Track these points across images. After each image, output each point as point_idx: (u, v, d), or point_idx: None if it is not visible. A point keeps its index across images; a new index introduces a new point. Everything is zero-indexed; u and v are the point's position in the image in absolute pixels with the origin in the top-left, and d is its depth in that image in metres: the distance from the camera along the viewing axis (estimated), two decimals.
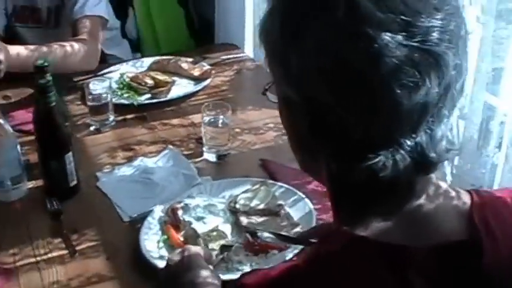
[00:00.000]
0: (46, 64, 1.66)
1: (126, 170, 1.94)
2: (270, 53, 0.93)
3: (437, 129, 0.87)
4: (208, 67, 2.52)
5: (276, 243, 1.53)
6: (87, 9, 2.53)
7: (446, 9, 0.84)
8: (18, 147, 1.79)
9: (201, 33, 3.10)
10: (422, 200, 0.91)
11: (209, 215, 1.68)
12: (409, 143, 0.84)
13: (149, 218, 1.68)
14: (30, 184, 1.85)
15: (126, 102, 2.30)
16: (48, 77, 1.67)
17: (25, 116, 2.08)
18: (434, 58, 0.82)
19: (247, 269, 1.50)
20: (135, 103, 2.29)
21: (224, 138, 1.98)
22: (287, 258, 1.50)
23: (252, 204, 1.70)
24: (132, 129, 2.18)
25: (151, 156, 2.00)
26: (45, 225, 1.71)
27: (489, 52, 1.61)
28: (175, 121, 2.22)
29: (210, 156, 1.98)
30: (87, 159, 2.01)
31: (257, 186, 1.77)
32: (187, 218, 1.65)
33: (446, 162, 1.65)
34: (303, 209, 1.69)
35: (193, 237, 1.60)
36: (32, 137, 1.84)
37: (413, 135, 0.85)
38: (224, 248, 1.54)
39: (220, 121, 1.97)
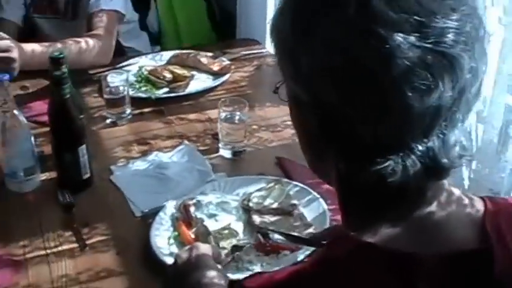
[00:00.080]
0: (61, 56, 1.65)
1: (140, 164, 1.92)
2: (280, 51, 0.92)
3: (451, 134, 0.84)
4: (228, 62, 2.50)
5: (288, 244, 1.51)
6: (103, 3, 2.52)
7: (463, 9, 0.81)
8: (32, 138, 1.79)
9: (223, 26, 3.09)
10: (433, 207, 0.89)
11: (222, 213, 1.67)
12: (420, 147, 0.82)
13: (161, 214, 1.66)
14: (44, 176, 1.84)
15: (143, 95, 2.29)
16: (64, 69, 1.66)
17: (42, 107, 2.07)
18: (448, 60, 0.79)
19: (257, 269, 1.48)
20: (152, 97, 2.28)
21: (240, 135, 1.95)
22: (298, 259, 1.48)
23: (266, 203, 1.68)
24: (149, 123, 2.16)
25: (166, 151, 1.98)
26: (56, 217, 1.70)
27: (510, 54, 1.57)
28: (192, 116, 2.20)
29: (226, 153, 1.96)
30: (102, 152, 2.00)
31: (271, 184, 1.75)
32: (199, 214, 1.64)
33: (464, 167, 1.64)
34: (317, 209, 1.66)
35: (204, 234, 1.58)
36: (47, 129, 1.82)
37: (425, 140, 0.82)
38: (235, 248, 1.52)
39: (237, 117, 1.95)
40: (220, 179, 1.83)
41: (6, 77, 1.69)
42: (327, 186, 1.67)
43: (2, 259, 1.56)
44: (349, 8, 0.80)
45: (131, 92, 2.23)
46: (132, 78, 2.36)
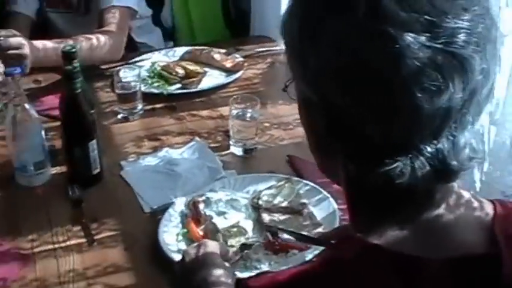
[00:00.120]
0: (73, 50, 1.65)
1: (150, 160, 1.92)
2: (289, 51, 0.91)
3: (460, 136, 0.83)
4: (241, 59, 2.49)
5: (297, 243, 1.50)
6: None
7: (475, 10, 0.80)
8: (43, 132, 1.78)
9: (237, 24, 3.08)
10: (441, 210, 0.88)
11: (231, 210, 1.66)
12: (429, 149, 0.81)
13: (170, 210, 1.66)
14: (54, 170, 1.84)
15: (155, 91, 2.28)
16: (75, 64, 1.66)
17: (54, 101, 2.06)
18: (459, 61, 0.78)
19: (265, 267, 1.48)
20: (164, 92, 2.27)
21: (251, 132, 1.94)
22: (307, 258, 1.47)
23: (275, 201, 1.67)
24: (160, 119, 2.15)
25: (177, 147, 1.97)
26: (65, 212, 1.70)
27: None
28: (204, 113, 2.19)
29: (237, 150, 1.95)
30: (113, 147, 1.99)
31: (282, 183, 1.74)
32: (208, 212, 1.63)
33: (475, 169, 1.62)
34: (327, 208, 1.65)
35: (213, 232, 1.58)
36: (59, 123, 1.83)
37: (434, 142, 0.81)
38: (244, 247, 1.51)
39: (248, 115, 1.94)
40: (230, 176, 1.82)
41: (17, 70, 1.69)
42: (337, 186, 1.68)
43: (10, 252, 1.57)
44: (358, 9, 0.79)
45: (143, 88, 2.22)
46: (144, 74, 2.36)
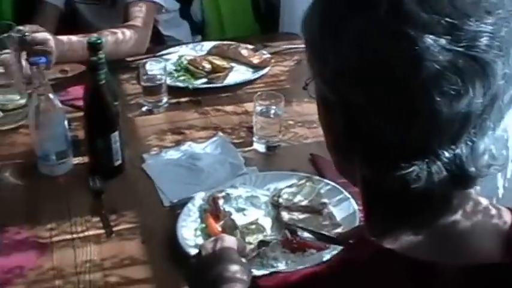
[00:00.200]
0: (99, 41, 1.65)
1: (173, 154, 1.91)
2: (309, 48, 0.90)
3: (480, 142, 0.81)
4: (268, 55, 2.48)
5: (315, 242, 1.49)
6: None
7: (499, 13, 0.78)
8: (66, 122, 1.79)
9: (267, 19, 3.08)
10: (458, 216, 0.86)
11: (250, 207, 1.65)
12: (447, 154, 0.79)
13: (189, 205, 1.65)
14: (76, 160, 1.85)
15: (181, 85, 2.28)
16: (100, 55, 1.66)
17: (79, 91, 2.07)
18: (480, 66, 0.76)
19: (282, 266, 1.46)
20: (190, 86, 2.27)
21: (275, 129, 1.93)
22: (324, 259, 1.46)
23: (296, 200, 1.66)
24: (185, 113, 2.15)
25: (200, 142, 1.97)
26: (85, 202, 1.70)
27: None
28: (229, 108, 2.19)
29: (260, 147, 1.94)
30: (136, 139, 1.99)
31: (303, 181, 1.72)
32: (227, 208, 1.62)
33: (499, 175, 1.60)
34: (347, 209, 1.64)
35: (231, 228, 1.57)
36: (83, 113, 1.83)
37: (453, 147, 0.79)
38: (261, 244, 1.50)
39: (272, 111, 1.93)
40: (251, 173, 1.81)
41: (42, 59, 1.70)
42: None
43: (28, 241, 1.57)
44: (380, 8, 0.77)
45: (169, 81, 2.22)
46: (171, 67, 2.36)
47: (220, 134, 2.01)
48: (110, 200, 1.70)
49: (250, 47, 2.52)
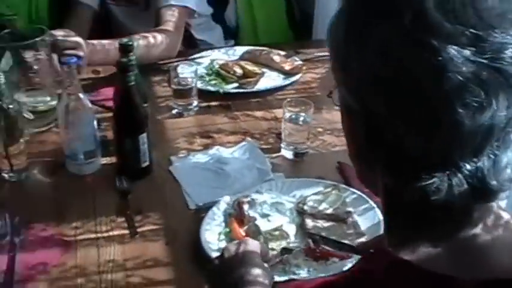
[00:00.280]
0: (130, 43, 1.67)
1: (200, 157, 1.92)
2: (333, 55, 0.90)
3: (503, 156, 0.79)
4: (300, 62, 2.47)
5: (339, 252, 1.48)
6: None
7: None
8: (95, 122, 1.80)
9: (301, 26, 3.07)
10: (478, 230, 0.84)
11: (275, 213, 1.65)
12: (468, 167, 0.78)
13: (214, 209, 1.65)
14: (104, 160, 1.86)
15: (212, 89, 2.28)
16: (131, 56, 1.67)
17: (110, 92, 2.08)
18: (505, 78, 0.75)
19: (304, 273, 1.45)
20: (221, 91, 2.27)
21: (303, 136, 1.93)
22: (346, 268, 1.44)
23: (321, 208, 1.65)
24: (214, 117, 2.15)
25: (228, 147, 1.97)
26: (111, 202, 1.71)
27: None
28: (258, 113, 2.18)
29: (287, 153, 1.94)
30: (164, 142, 2.00)
31: (329, 189, 1.72)
32: (252, 213, 1.62)
33: None
34: (372, 219, 1.62)
35: (255, 233, 1.57)
36: (112, 114, 1.84)
37: (475, 159, 0.78)
38: (284, 251, 1.50)
39: (301, 118, 1.92)
40: (278, 179, 1.81)
41: (74, 59, 1.71)
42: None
43: (53, 238, 1.59)
44: (404, 18, 0.77)
45: (200, 85, 2.23)
46: (202, 71, 2.36)
47: (249, 139, 2.01)
48: (135, 201, 1.71)
49: (283, 53, 2.52)
